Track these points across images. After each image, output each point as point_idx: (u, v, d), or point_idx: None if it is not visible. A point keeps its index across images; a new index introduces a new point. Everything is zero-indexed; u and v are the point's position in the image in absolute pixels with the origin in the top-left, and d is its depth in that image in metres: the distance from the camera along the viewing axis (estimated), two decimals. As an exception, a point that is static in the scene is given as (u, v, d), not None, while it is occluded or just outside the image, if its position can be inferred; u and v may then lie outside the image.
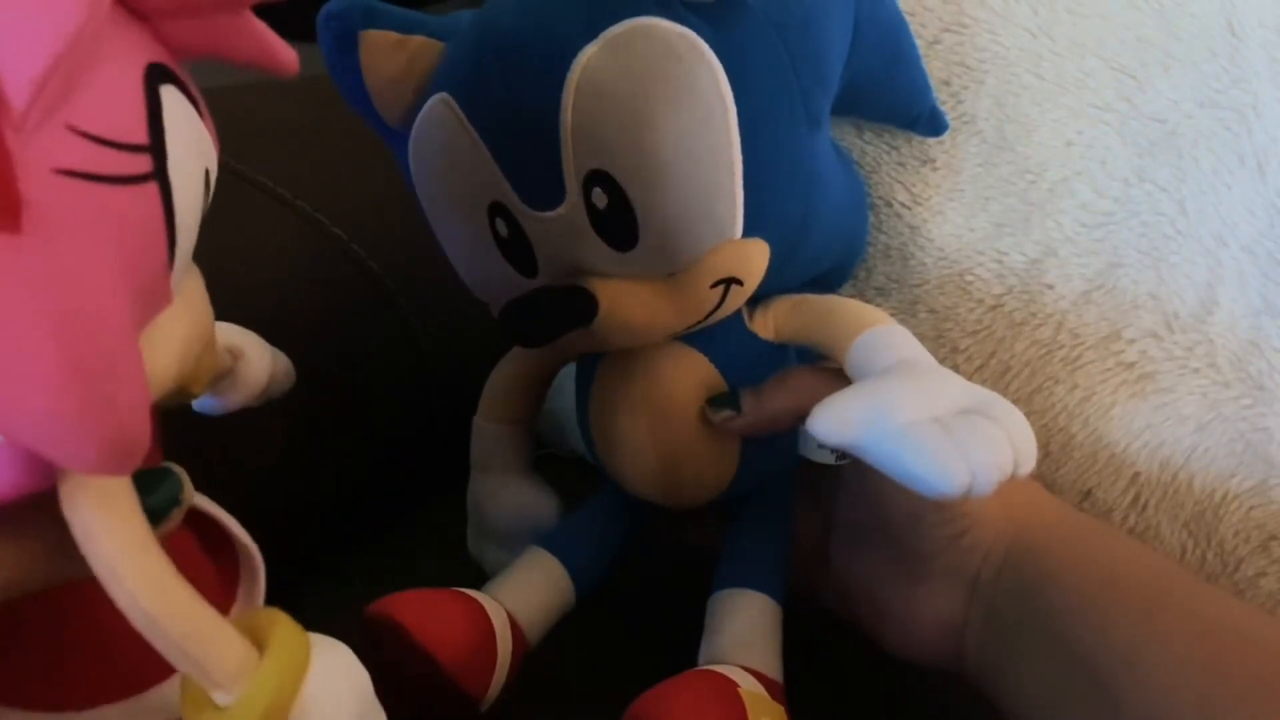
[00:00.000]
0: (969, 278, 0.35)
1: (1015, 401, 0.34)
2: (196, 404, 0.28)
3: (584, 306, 0.26)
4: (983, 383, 0.35)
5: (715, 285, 0.27)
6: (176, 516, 0.22)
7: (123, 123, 0.17)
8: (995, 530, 0.28)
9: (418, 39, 0.29)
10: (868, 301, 0.34)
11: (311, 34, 0.30)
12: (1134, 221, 0.34)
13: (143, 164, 0.17)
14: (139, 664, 0.22)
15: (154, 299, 0.19)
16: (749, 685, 0.27)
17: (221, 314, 0.40)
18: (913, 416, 0.24)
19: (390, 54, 0.29)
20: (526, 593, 0.32)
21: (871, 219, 0.36)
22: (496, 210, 0.28)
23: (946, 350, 0.36)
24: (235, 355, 0.28)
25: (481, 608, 0.30)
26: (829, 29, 0.28)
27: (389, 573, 0.41)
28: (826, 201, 0.30)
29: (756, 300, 0.30)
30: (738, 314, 0.30)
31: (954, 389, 0.26)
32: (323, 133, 0.51)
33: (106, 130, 0.16)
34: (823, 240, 0.31)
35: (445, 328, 0.47)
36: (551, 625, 0.32)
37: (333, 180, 0.48)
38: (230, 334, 0.28)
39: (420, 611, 0.28)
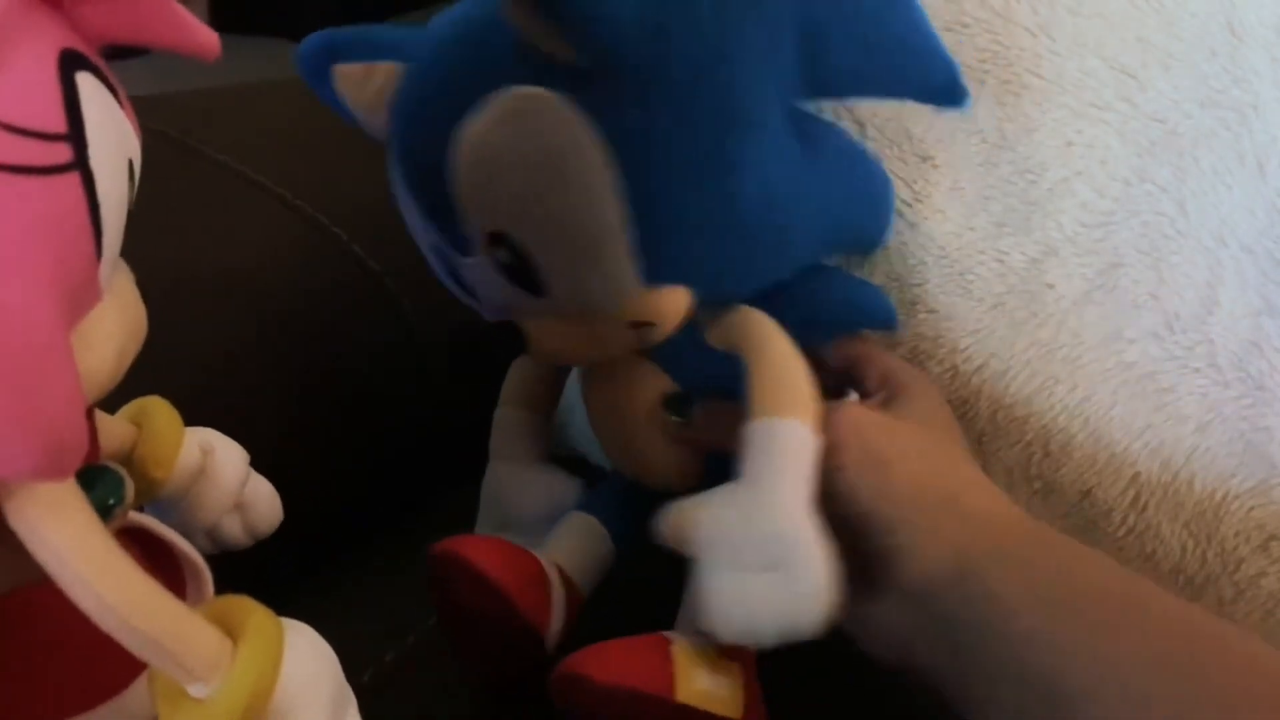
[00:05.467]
0: (969, 277, 0.35)
1: (1015, 402, 0.35)
2: (165, 515, 0.27)
3: (520, 338, 0.30)
4: (983, 383, 0.35)
5: (632, 326, 0.28)
6: (119, 515, 0.22)
7: (39, 111, 0.16)
8: (945, 546, 0.27)
9: (384, 67, 0.29)
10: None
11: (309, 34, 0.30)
12: (1134, 221, 0.34)
13: (63, 154, 0.17)
14: (109, 666, 0.22)
15: (84, 295, 0.18)
16: (687, 644, 0.28)
17: (222, 314, 0.41)
18: (727, 557, 0.26)
19: (360, 85, 0.30)
20: (568, 545, 0.33)
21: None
22: (435, 251, 0.29)
23: (946, 350, 0.36)
24: (205, 451, 0.28)
25: (531, 553, 0.32)
26: (736, 68, 0.26)
27: (387, 571, 0.41)
28: (787, 217, 0.29)
29: (713, 306, 0.30)
30: (694, 322, 0.30)
31: (771, 525, 0.26)
32: (323, 133, 0.51)
33: (22, 119, 0.16)
34: (795, 250, 0.30)
35: (445, 328, 0.47)
36: (598, 576, 0.34)
37: (333, 180, 0.48)
38: (202, 432, 0.28)
39: (482, 548, 0.30)
